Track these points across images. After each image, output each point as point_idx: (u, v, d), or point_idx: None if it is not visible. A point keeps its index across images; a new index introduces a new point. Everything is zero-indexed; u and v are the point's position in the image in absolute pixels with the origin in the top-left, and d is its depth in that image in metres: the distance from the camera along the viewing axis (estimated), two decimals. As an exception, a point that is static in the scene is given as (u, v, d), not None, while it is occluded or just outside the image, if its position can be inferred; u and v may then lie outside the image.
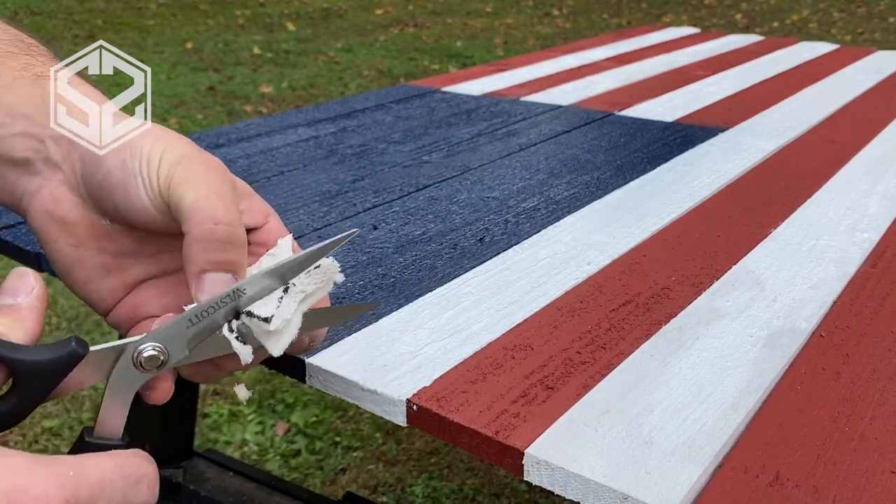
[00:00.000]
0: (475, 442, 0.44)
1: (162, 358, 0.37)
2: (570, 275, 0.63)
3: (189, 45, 4.96)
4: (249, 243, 0.41)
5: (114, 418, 0.37)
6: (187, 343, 0.37)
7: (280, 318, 0.38)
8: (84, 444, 0.36)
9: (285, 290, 0.39)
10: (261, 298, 0.39)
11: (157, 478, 0.34)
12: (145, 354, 0.37)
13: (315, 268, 0.40)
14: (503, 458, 0.43)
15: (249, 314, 0.38)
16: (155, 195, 0.38)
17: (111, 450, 0.34)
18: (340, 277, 0.41)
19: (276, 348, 0.39)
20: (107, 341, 0.37)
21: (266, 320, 0.38)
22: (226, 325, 0.38)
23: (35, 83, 0.41)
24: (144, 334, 0.37)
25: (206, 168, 0.38)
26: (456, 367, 0.50)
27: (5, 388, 0.34)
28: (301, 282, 0.40)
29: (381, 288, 0.60)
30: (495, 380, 0.49)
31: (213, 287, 0.38)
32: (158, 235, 0.41)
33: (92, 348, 0.36)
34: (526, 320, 0.56)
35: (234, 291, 0.37)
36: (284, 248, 0.42)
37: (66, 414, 1.59)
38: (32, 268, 0.68)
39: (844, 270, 0.65)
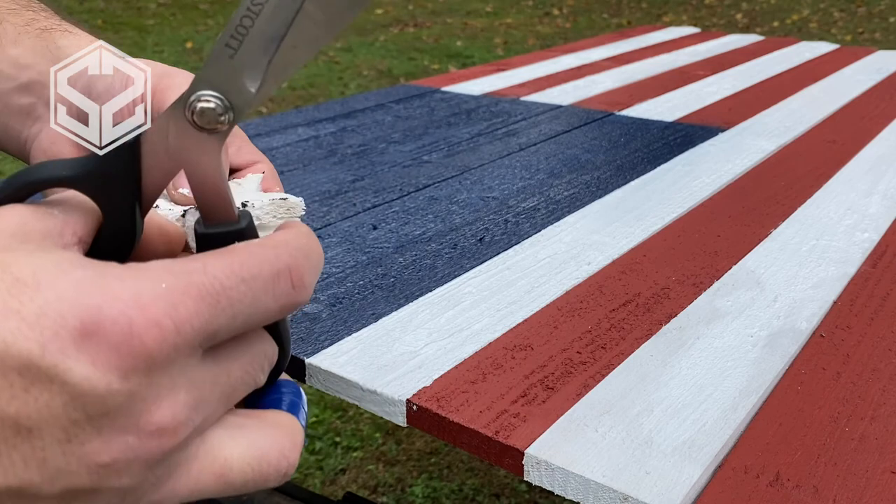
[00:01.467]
0: (475, 442, 0.44)
1: (221, 109, 0.27)
2: (570, 275, 0.63)
3: (189, 45, 4.96)
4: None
5: (213, 200, 0.28)
6: (244, 79, 0.27)
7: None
8: (201, 238, 0.28)
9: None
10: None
11: (313, 263, 0.27)
12: (197, 108, 0.27)
13: (281, 199, 0.38)
14: (503, 458, 0.43)
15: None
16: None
17: (234, 242, 0.26)
18: (301, 211, 0.39)
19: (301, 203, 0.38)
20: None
21: None
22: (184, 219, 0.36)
23: (40, 36, 0.42)
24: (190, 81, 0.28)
25: (183, 77, 0.40)
26: (456, 367, 0.50)
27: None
28: (260, 207, 0.37)
29: (381, 288, 0.60)
30: (495, 380, 0.49)
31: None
32: None
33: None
34: (526, 320, 0.56)
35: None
36: (250, 181, 0.40)
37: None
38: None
39: (845, 270, 0.65)
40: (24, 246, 0.24)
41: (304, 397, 0.30)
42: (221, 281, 0.23)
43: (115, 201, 0.28)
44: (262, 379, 0.27)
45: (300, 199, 0.39)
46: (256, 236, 0.29)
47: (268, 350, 0.27)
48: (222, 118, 0.27)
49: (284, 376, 0.31)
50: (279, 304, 0.25)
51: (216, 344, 0.24)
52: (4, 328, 0.21)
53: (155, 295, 0.22)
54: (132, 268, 0.23)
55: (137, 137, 0.28)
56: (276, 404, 0.29)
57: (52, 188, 0.27)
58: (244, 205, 0.36)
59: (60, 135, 0.42)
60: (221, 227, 0.28)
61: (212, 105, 0.27)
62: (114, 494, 0.23)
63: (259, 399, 0.29)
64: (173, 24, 5.67)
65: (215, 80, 0.27)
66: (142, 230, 0.29)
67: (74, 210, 0.27)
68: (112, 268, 0.23)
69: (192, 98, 0.27)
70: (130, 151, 0.28)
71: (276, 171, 0.44)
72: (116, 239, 0.28)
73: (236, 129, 0.43)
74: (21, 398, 0.21)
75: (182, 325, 0.22)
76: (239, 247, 0.25)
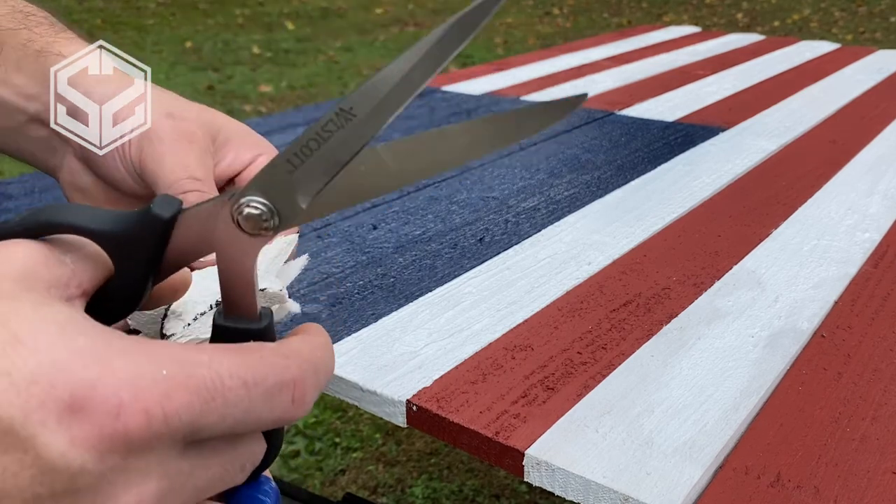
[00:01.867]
0: (475, 443, 0.44)
1: (267, 217, 0.27)
2: (570, 275, 0.63)
3: (188, 45, 4.96)
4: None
5: (239, 295, 0.28)
6: (298, 194, 0.27)
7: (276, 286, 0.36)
8: (217, 329, 0.28)
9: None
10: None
11: (320, 380, 0.26)
12: (243, 213, 0.27)
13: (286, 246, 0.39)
14: (503, 458, 0.43)
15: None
16: (130, 170, 0.39)
17: (249, 340, 0.27)
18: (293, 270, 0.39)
19: (295, 307, 0.37)
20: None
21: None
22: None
23: (37, 60, 0.42)
24: (244, 187, 0.28)
25: (173, 139, 0.39)
26: (456, 367, 0.50)
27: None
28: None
29: (381, 288, 0.60)
30: (495, 380, 0.48)
31: None
32: (146, 197, 0.42)
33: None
34: (526, 320, 0.56)
35: (337, 114, 0.27)
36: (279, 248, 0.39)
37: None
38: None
39: (846, 270, 0.64)
40: (27, 295, 0.23)
41: (281, 501, 0.29)
42: (224, 380, 0.23)
43: (131, 266, 0.28)
44: (241, 478, 0.26)
45: (291, 236, 0.39)
46: (274, 338, 0.29)
47: (255, 450, 0.26)
48: (266, 224, 0.27)
49: (267, 472, 0.30)
50: (274, 416, 0.24)
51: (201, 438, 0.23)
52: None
53: (153, 380, 0.22)
54: (137, 343, 0.22)
55: (177, 212, 0.28)
56: (250, 502, 0.28)
57: (73, 234, 0.27)
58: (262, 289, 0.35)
59: (77, 165, 0.42)
60: (241, 323, 0.28)
61: (258, 212, 0.27)
62: None
63: (235, 493, 0.28)
64: (173, 24, 5.67)
65: (269, 189, 0.27)
66: (148, 296, 0.29)
67: (86, 261, 0.26)
68: (116, 339, 0.22)
69: (242, 201, 0.27)
70: (165, 225, 0.28)
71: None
72: (119, 298, 0.28)
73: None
74: None
75: (171, 417, 0.21)
76: (251, 347, 0.24)
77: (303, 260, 0.40)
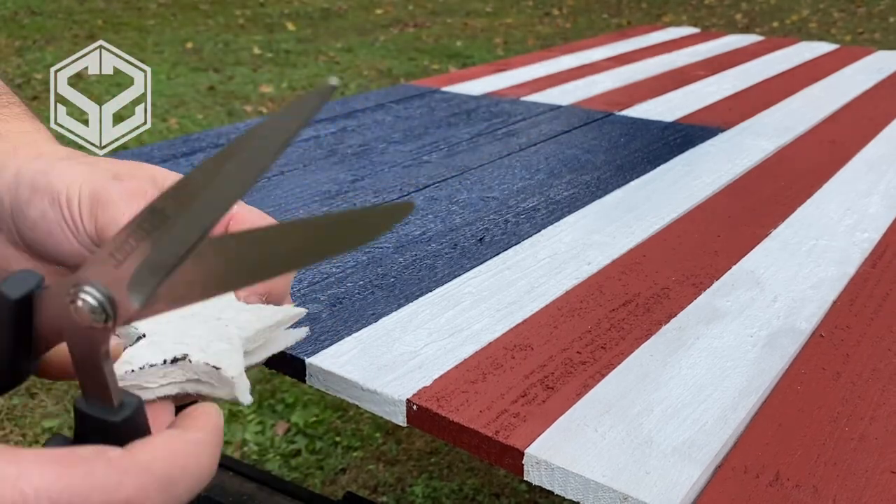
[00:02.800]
0: (475, 442, 0.44)
1: (98, 311, 0.26)
2: (570, 275, 0.63)
3: (189, 45, 4.96)
4: None
5: (92, 383, 0.27)
6: (130, 288, 0.26)
7: (241, 374, 0.33)
8: (78, 414, 0.27)
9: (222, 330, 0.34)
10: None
11: (175, 494, 0.24)
12: (76, 303, 0.26)
13: (262, 311, 0.36)
14: (503, 458, 0.43)
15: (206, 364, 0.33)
16: (84, 240, 0.36)
17: (105, 433, 0.26)
18: (292, 339, 0.37)
19: (245, 397, 0.34)
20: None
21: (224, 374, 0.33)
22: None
23: None
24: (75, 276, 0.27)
25: (123, 199, 0.36)
26: (456, 367, 0.50)
27: None
28: (238, 324, 0.35)
29: (381, 288, 0.60)
30: (495, 380, 0.49)
31: None
32: None
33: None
34: (526, 320, 0.56)
35: (153, 210, 0.26)
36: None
37: (66, 414, 1.59)
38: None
39: (844, 270, 0.65)
40: None
41: None
42: (27, 499, 0.21)
43: None
44: None
45: (298, 310, 0.36)
46: (142, 431, 0.27)
47: None
48: (97, 320, 0.25)
49: None
50: None
51: None
52: None
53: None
54: None
55: (32, 290, 0.26)
56: None
57: None
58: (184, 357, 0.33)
59: (10, 251, 0.38)
60: (98, 412, 0.26)
61: (90, 305, 0.25)
62: None
63: None
64: (173, 25, 5.67)
65: (102, 278, 0.25)
66: (36, 370, 0.28)
67: None
68: None
69: (73, 289, 0.25)
70: (17, 305, 0.26)
71: (255, 211, 0.39)
72: None
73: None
74: None
75: None
76: (80, 458, 0.22)
77: (301, 332, 0.38)
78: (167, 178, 0.38)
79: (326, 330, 0.54)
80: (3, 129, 0.39)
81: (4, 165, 0.37)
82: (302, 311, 0.37)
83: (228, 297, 0.36)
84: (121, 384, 0.28)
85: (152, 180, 0.37)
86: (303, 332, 0.38)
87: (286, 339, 0.38)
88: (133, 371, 0.32)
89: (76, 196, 0.36)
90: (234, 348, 0.34)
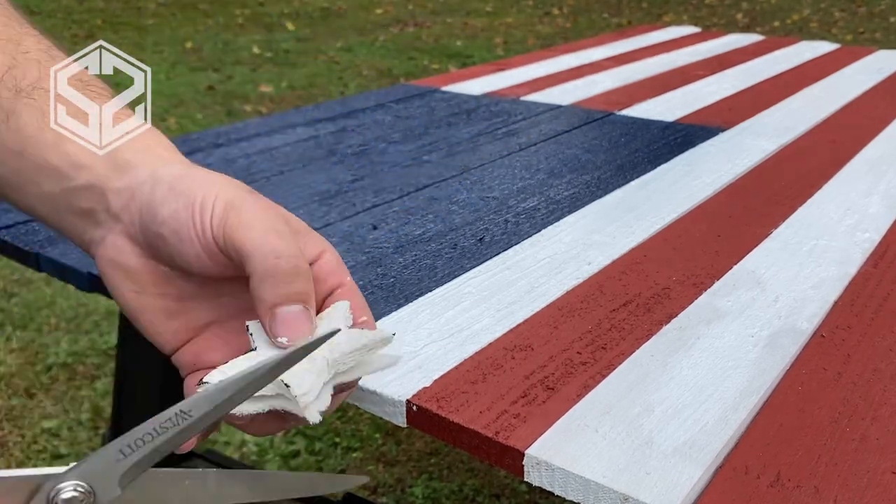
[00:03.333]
0: (475, 442, 0.44)
1: (84, 500, 0.31)
2: (570, 275, 0.63)
3: (188, 45, 4.96)
4: None
5: None
6: (119, 479, 0.31)
7: (308, 394, 0.36)
8: None
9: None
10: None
11: None
12: (63, 496, 0.31)
13: (362, 338, 0.38)
14: (503, 458, 0.43)
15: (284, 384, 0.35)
16: (208, 244, 0.38)
17: None
18: (391, 361, 0.39)
19: (313, 416, 0.36)
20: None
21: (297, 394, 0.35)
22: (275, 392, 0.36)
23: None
24: (67, 468, 0.32)
25: (257, 208, 0.38)
26: (456, 367, 0.50)
27: None
28: (336, 356, 0.37)
29: (381, 288, 0.60)
30: (495, 380, 0.48)
31: (287, 321, 0.37)
32: (218, 280, 0.40)
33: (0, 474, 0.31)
34: (526, 320, 0.56)
35: (177, 414, 0.32)
36: (337, 318, 0.38)
37: (65, 414, 1.59)
38: (31, 268, 0.68)
39: (845, 270, 0.64)
40: None
41: None
42: None
43: None
44: None
45: (386, 333, 0.38)
46: None
47: None
48: None
49: None
50: None
51: None
52: None
53: None
54: None
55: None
56: None
57: None
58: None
59: (124, 244, 0.41)
60: None
61: (75, 496, 0.31)
62: None
63: None
64: (173, 24, 5.68)
65: (89, 474, 0.31)
66: None
67: None
68: None
69: (60, 486, 0.31)
70: None
71: (337, 255, 0.42)
72: None
73: (297, 221, 0.41)
74: None
75: None
76: None
77: (394, 359, 0.39)
78: (289, 214, 0.40)
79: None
80: (129, 126, 0.42)
81: (140, 162, 0.40)
82: (390, 335, 0.38)
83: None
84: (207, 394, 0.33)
85: (276, 207, 0.40)
86: (395, 358, 0.39)
87: (379, 363, 0.39)
88: (222, 380, 0.34)
89: (211, 202, 0.38)
90: (312, 369, 0.35)
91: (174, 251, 0.38)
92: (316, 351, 0.34)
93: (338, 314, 0.38)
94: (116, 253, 0.40)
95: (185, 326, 0.41)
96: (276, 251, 0.36)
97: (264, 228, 0.37)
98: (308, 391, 0.35)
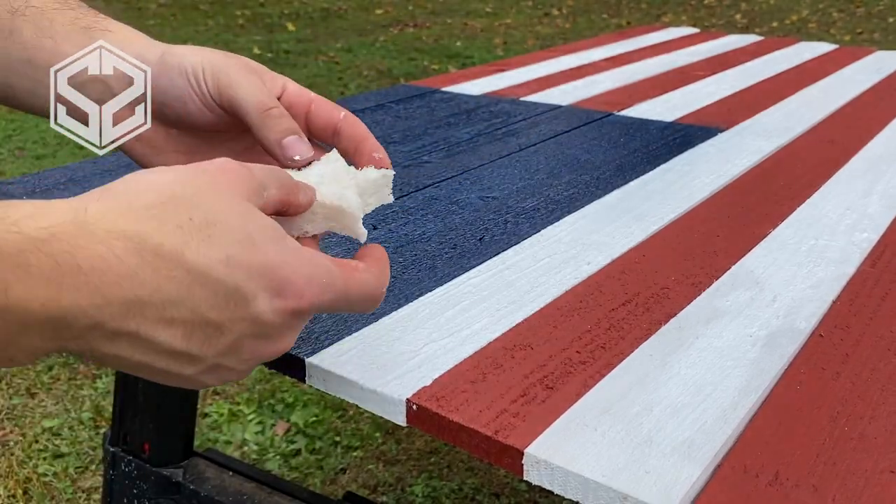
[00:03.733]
0: (475, 441, 0.44)
1: None
2: (569, 275, 0.63)
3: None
4: None
5: None
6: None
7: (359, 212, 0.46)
8: None
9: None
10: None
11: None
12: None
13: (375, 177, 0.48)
14: (503, 457, 0.43)
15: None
16: (208, 101, 0.48)
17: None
18: (390, 197, 0.50)
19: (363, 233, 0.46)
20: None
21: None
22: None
23: (85, 34, 0.49)
24: None
25: (237, 69, 0.48)
26: (456, 366, 0.50)
27: None
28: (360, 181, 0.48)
29: (380, 288, 0.60)
30: (495, 379, 0.49)
31: (293, 145, 0.48)
32: (215, 130, 0.51)
33: None
34: (526, 320, 0.56)
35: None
36: (334, 157, 0.48)
37: (66, 413, 1.59)
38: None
39: (844, 270, 0.65)
40: (252, 209, 0.37)
41: None
42: (342, 292, 0.40)
43: None
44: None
45: (387, 171, 0.49)
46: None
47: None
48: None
49: None
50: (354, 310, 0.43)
51: None
52: (237, 275, 0.35)
53: (318, 283, 0.38)
54: (307, 254, 0.38)
55: None
56: None
57: None
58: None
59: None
60: None
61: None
62: (234, 370, 0.39)
63: None
64: (173, 25, 5.68)
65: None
66: None
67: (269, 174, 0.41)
68: (295, 251, 0.37)
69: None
70: None
71: (290, 80, 0.52)
72: None
73: (256, 65, 0.51)
74: (223, 308, 0.35)
75: (316, 304, 0.38)
76: (357, 278, 0.41)
77: (390, 197, 0.50)
78: (257, 65, 0.51)
79: (326, 329, 0.54)
80: (110, 27, 0.50)
81: (127, 50, 0.49)
82: (391, 172, 0.49)
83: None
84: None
85: (249, 62, 0.50)
86: (390, 197, 0.50)
87: (387, 197, 0.50)
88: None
89: (200, 67, 0.48)
90: (353, 195, 0.46)
91: (181, 112, 0.49)
92: (345, 186, 0.45)
93: (335, 158, 0.48)
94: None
95: None
96: (263, 104, 0.48)
97: (249, 86, 0.48)
98: (355, 211, 0.45)
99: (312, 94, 0.51)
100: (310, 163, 0.48)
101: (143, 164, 0.51)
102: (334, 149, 0.49)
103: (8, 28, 0.49)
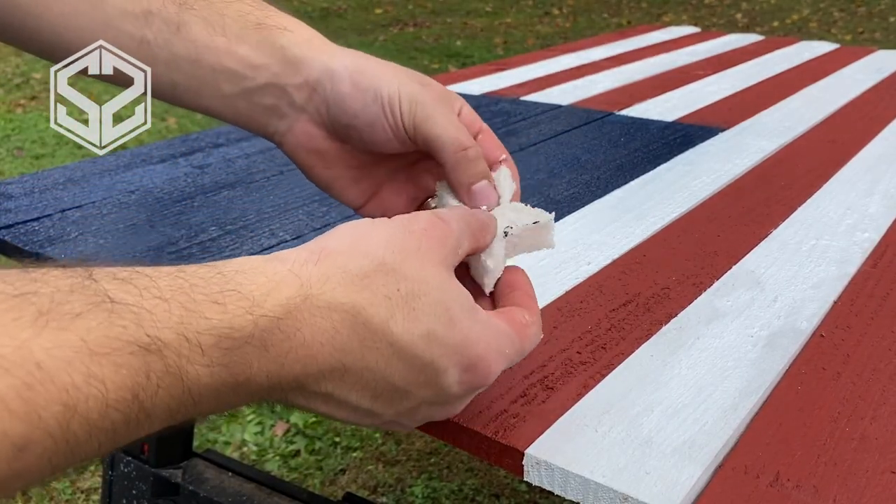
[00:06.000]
0: (475, 442, 0.44)
1: None
2: (570, 275, 0.63)
3: (189, 45, 4.95)
4: None
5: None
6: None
7: (495, 260, 0.45)
8: None
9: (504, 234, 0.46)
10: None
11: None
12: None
13: (534, 223, 0.46)
14: (503, 458, 0.43)
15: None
16: (399, 132, 0.46)
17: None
18: (553, 242, 0.48)
19: (489, 285, 0.45)
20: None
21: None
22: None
23: (258, 31, 0.47)
24: None
25: (436, 103, 0.46)
26: (456, 367, 0.50)
27: None
28: (517, 230, 0.46)
29: (380, 288, 0.60)
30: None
31: (483, 194, 0.47)
32: (395, 151, 0.49)
33: None
34: (526, 320, 0.56)
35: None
36: (504, 180, 0.49)
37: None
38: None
39: (845, 270, 0.65)
40: (449, 277, 0.39)
41: None
42: (520, 354, 0.41)
43: None
44: None
45: (547, 215, 0.47)
46: None
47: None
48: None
49: None
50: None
51: None
52: (435, 351, 0.36)
53: (503, 357, 0.39)
54: (494, 327, 0.39)
55: None
56: None
57: None
58: (506, 233, 0.45)
59: (313, 130, 0.48)
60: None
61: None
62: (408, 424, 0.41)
63: None
64: (173, 24, 5.66)
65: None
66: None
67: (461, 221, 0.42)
68: (482, 322, 0.39)
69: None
70: None
71: (479, 117, 0.50)
72: None
73: (454, 96, 0.49)
74: (414, 379, 0.37)
75: (501, 370, 0.40)
76: (511, 339, 0.41)
77: (549, 241, 0.48)
78: (446, 91, 0.49)
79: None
80: (284, 23, 0.47)
81: (309, 57, 0.47)
82: (550, 216, 0.47)
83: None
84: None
85: (442, 90, 0.48)
86: (552, 241, 0.48)
87: (542, 242, 0.48)
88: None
89: (397, 97, 0.46)
90: (501, 245, 0.46)
91: (366, 138, 0.47)
92: (500, 226, 0.45)
93: (504, 181, 0.48)
94: (307, 139, 0.49)
95: (368, 187, 0.51)
96: (460, 143, 0.46)
97: (446, 123, 0.46)
98: (497, 266, 0.45)
99: (482, 124, 0.50)
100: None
101: (307, 173, 0.51)
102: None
103: (175, 22, 0.46)
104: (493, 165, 0.49)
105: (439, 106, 0.46)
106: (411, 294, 0.36)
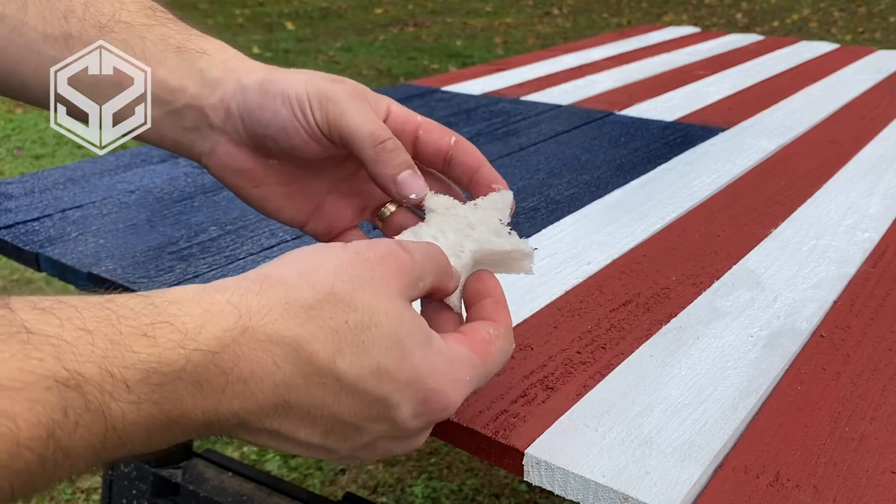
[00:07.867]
0: (475, 442, 0.44)
1: None
2: (570, 275, 0.63)
3: (189, 45, 4.95)
4: None
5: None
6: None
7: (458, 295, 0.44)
8: None
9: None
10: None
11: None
12: None
13: (505, 250, 0.45)
14: (503, 458, 0.43)
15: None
16: (314, 133, 0.45)
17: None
18: (532, 270, 0.46)
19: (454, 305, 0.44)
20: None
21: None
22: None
23: (178, 55, 0.46)
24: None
25: (348, 98, 0.45)
26: (456, 367, 0.50)
27: None
28: (481, 254, 0.45)
29: (380, 288, 0.60)
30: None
31: (408, 183, 0.45)
32: (319, 160, 0.48)
33: None
34: (526, 320, 0.56)
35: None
36: (501, 206, 0.47)
37: (65, 414, 1.58)
38: (31, 268, 0.68)
39: (845, 270, 0.65)
40: (408, 310, 0.37)
41: None
42: (483, 376, 0.40)
43: None
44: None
45: (528, 248, 0.45)
46: None
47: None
48: None
49: None
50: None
51: None
52: (386, 386, 0.35)
53: (461, 391, 0.38)
54: (452, 354, 0.38)
55: None
56: None
57: None
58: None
59: (233, 150, 0.47)
60: None
61: None
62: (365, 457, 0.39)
63: None
64: (173, 24, 5.66)
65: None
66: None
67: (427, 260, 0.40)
68: (443, 354, 0.37)
69: None
70: None
71: (397, 103, 0.50)
72: None
73: (362, 89, 0.47)
74: (366, 414, 0.35)
75: (463, 398, 0.38)
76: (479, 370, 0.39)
77: (527, 268, 0.46)
78: (362, 87, 0.47)
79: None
80: (203, 46, 0.47)
81: (225, 77, 0.46)
82: (531, 250, 0.45)
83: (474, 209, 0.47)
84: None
85: (356, 86, 0.47)
86: (531, 268, 0.46)
87: (515, 268, 0.45)
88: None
89: (305, 96, 0.44)
90: (459, 263, 0.43)
91: (284, 144, 0.46)
92: (466, 245, 0.43)
93: (503, 204, 0.47)
94: (230, 160, 0.47)
95: (305, 203, 0.49)
96: (377, 137, 0.45)
97: (361, 118, 0.45)
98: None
99: (419, 118, 0.49)
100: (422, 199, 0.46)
101: (241, 197, 0.49)
102: (436, 196, 0.47)
103: (96, 46, 0.45)
104: (445, 153, 0.48)
105: (351, 101, 0.45)
106: (361, 326, 0.34)
